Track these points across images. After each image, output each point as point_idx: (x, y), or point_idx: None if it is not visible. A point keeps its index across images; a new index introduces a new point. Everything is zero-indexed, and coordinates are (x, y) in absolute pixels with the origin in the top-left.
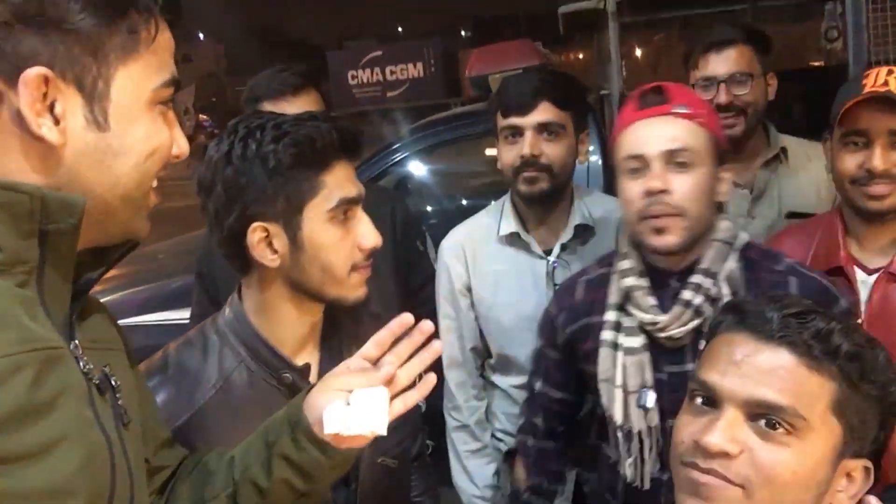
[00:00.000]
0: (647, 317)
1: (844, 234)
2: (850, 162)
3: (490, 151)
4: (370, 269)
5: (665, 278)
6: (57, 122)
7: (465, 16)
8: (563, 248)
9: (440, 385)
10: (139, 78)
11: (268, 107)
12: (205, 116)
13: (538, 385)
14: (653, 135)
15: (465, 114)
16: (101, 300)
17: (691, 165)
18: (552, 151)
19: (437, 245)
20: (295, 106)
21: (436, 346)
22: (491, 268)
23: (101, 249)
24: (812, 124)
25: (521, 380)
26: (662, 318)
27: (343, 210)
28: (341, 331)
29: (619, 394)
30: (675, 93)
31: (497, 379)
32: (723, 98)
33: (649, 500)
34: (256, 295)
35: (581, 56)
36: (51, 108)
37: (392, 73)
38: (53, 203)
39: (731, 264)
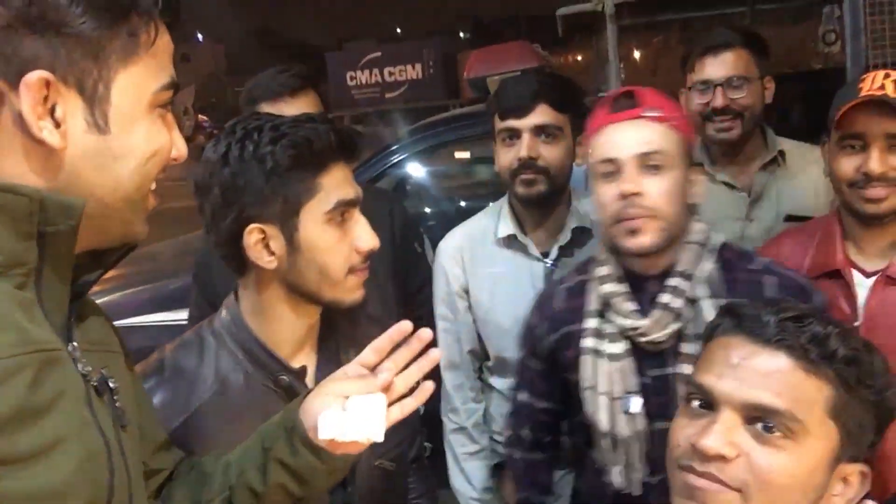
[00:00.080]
0: (628, 322)
1: (842, 237)
2: (847, 165)
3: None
4: (367, 271)
5: (643, 282)
6: (58, 125)
7: (464, 17)
8: (561, 250)
9: (438, 388)
10: (139, 81)
11: (266, 108)
12: (204, 117)
13: (522, 396)
14: (625, 138)
15: (464, 115)
16: (100, 300)
17: (664, 168)
18: (549, 154)
19: (434, 247)
20: (293, 107)
21: (434, 353)
22: (488, 270)
23: (99, 251)
24: (810, 127)
25: None
26: (643, 323)
27: (340, 212)
28: (338, 333)
29: (603, 401)
30: (645, 97)
31: (495, 381)
32: (719, 101)
33: None
34: (253, 297)
35: (580, 58)
36: (52, 112)
37: (391, 74)
38: (52, 205)
39: (708, 265)
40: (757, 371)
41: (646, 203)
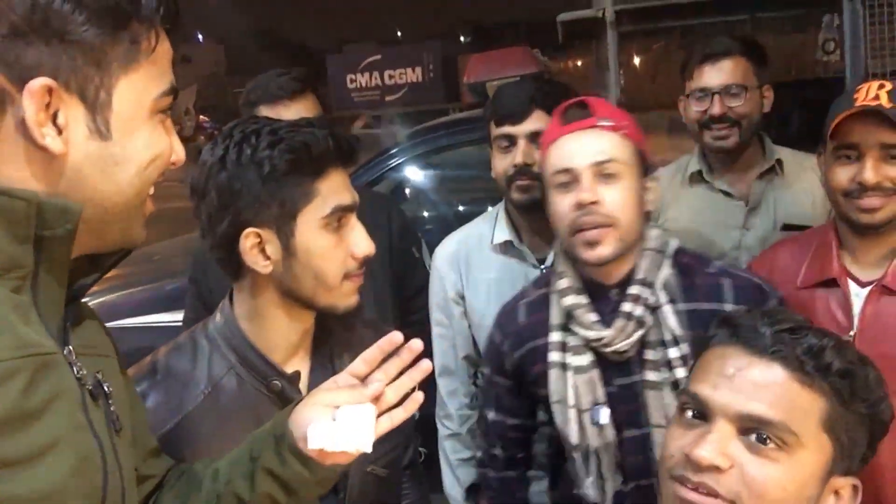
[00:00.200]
0: (592, 333)
1: (838, 246)
2: (843, 175)
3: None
4: (363, 277)
5: (603, 292)
6: (60, 131)
7: (465, 21)
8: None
9: (433, 393)
10: (140, 87)
11: (265, 111)
12: (205, 118)
13: (491, 415)
14: (580, 148)
15: (463, 120)
16: (97, 301)
17: (619, 176)
18: None
19: (432, 251)
20: (292, 111)
21: (425, 364)
22: (484, 276)
23: (96, 255)
24: (809, 135)
25: None
26: (607, 333)
27: (337, 217)
28: (332, 338)
29: (573, 414)
30: (598, 107)
31: None
32: (717, 109)
33: None
34: (248, 301)
35: (580, 64)
36: (54, 118)
37: (391, 77)
38: (49, 209)
39: (666, 271)
40: (752, 382)
41: (603, 211)
